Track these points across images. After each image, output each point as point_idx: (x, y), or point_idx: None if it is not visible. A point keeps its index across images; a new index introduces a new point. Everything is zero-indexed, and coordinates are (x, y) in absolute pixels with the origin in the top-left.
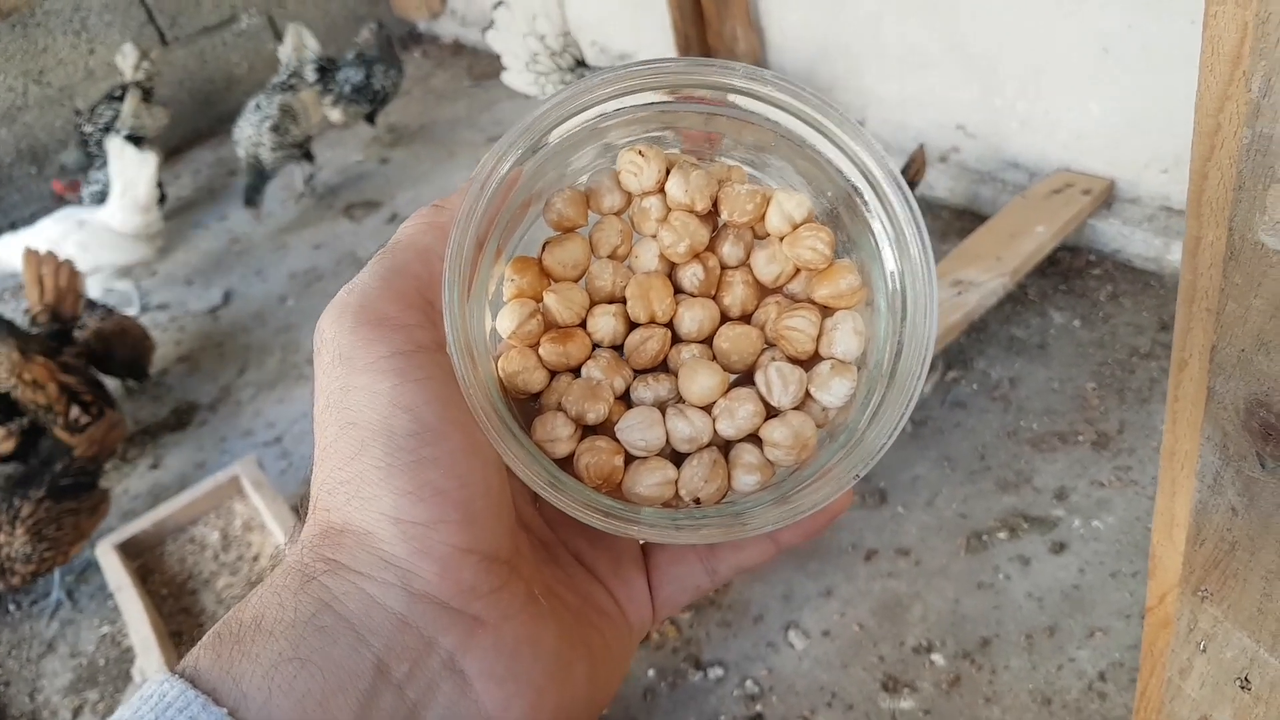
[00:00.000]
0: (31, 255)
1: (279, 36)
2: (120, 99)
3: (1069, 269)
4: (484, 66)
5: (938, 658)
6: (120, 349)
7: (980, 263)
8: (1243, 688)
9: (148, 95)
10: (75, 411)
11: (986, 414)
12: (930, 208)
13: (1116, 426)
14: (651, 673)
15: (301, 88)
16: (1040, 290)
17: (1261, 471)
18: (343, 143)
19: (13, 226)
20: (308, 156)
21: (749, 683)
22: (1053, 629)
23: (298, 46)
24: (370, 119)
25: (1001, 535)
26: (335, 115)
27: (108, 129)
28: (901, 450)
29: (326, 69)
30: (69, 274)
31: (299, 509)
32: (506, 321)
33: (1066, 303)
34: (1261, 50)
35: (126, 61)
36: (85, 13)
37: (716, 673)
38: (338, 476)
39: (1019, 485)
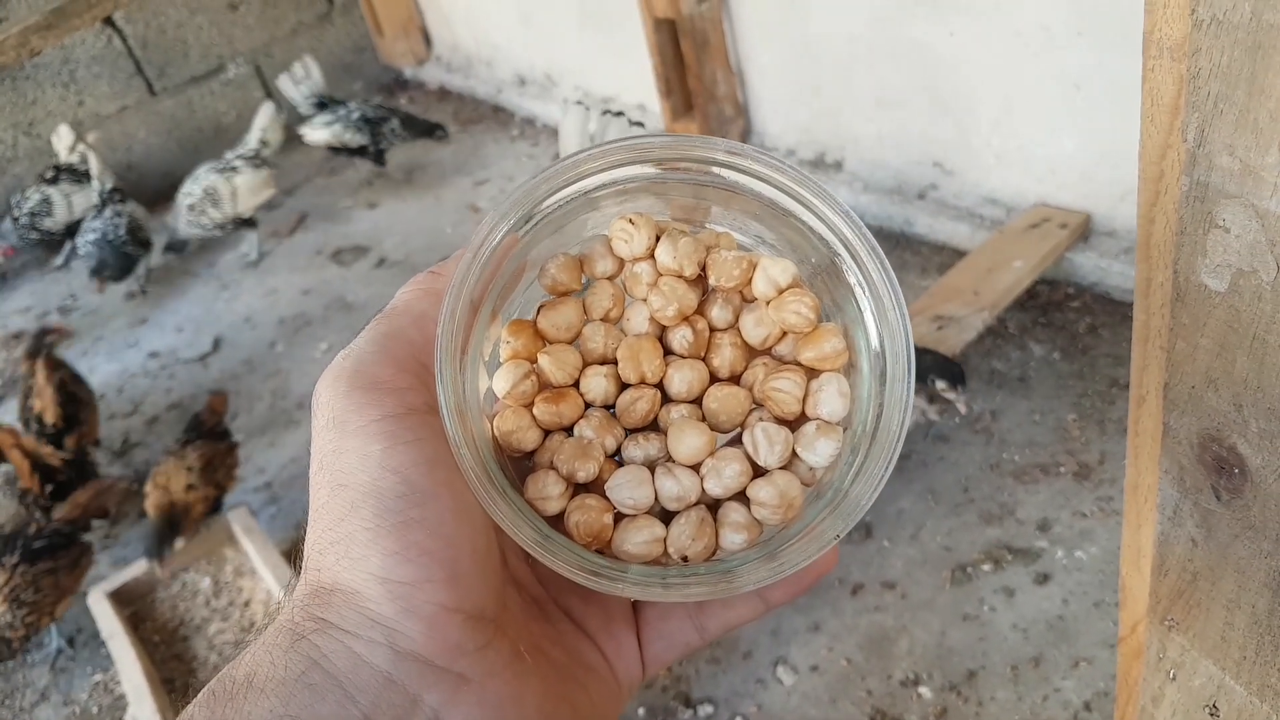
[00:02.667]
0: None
1: (266, 85)
2: (53, 181)
3: (1048, 302)
4: (469, 112)
5: (925, 690)
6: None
7: (960, 298)
8: (1212, 715)
9: (82, 178)
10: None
11: (969, 447)
12: (909, 244)
13: (1098, 457)
14: (642, 711)
15: (244, 170)
16: (1020, 324)
17: (1217, 504)
18: (330, 189)
19: (3, 277)
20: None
21: (739, 719)
22: (1038, 660)
23: (264, 128)
24: (379, 160)
25: (986, 567)
26: (322, 136)
27: (34, 215)
28: (886, 484)
29: (326, 104)
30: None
31: (291, 557)
32: (502, 382)
33: (1046, 335)
34: (1195, 103)
35: (61, 143)
36: (74, 65)
37: (706, 710)
38: (328, 537)
39: (1002, 517)
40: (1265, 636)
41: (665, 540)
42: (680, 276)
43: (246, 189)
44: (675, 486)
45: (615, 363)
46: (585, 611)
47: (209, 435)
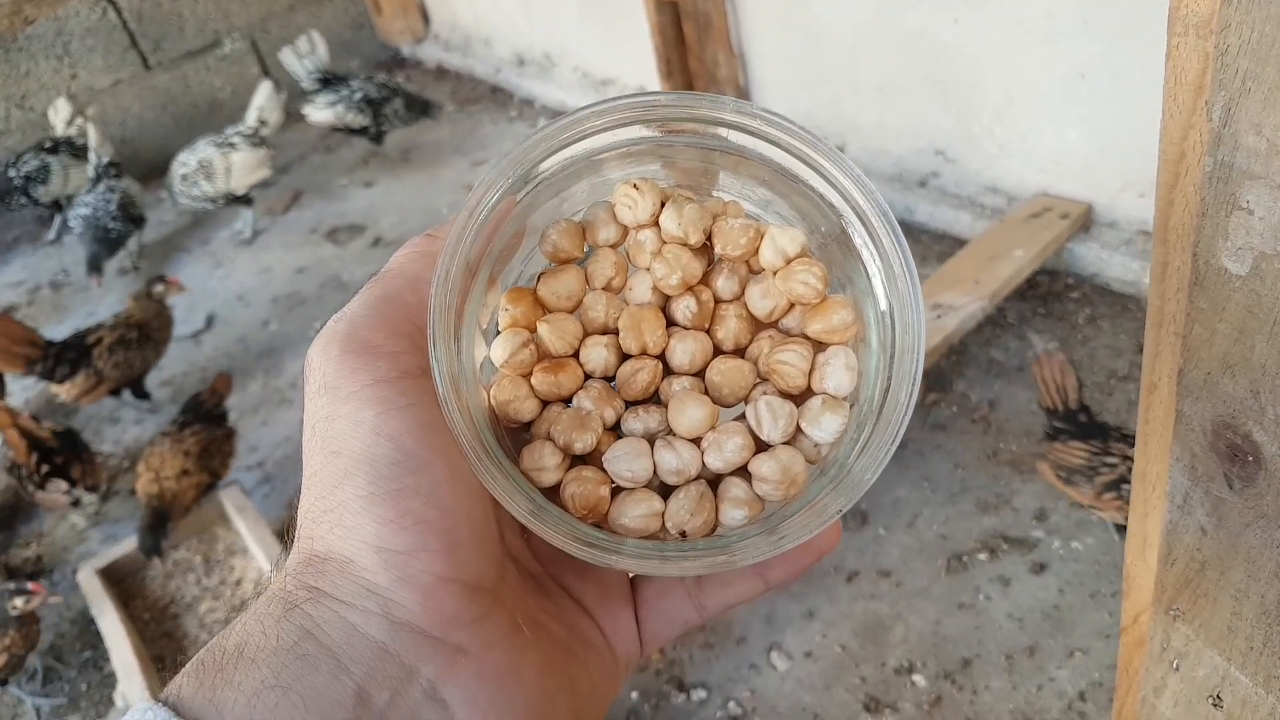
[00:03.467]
0: None
1: (263, 61)
2: (52, 151)
3: (1048, 292)
4: (467, 91)
5: (919, 678)
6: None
7: (960, 286)
8: (1215, 705)
9: (80, 153)
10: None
11: (966, 436)
12: (910, 232)
13: None
14: (635, 695)
15: (242, 148)
16: (1019, 313)
17: (1229, 492)
18: (326, 167)
19: None
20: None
21: (732, 704)
22: (1033, 649)
23: (262, 107)
24: (378, 139)
25: (982, 556)
26: (325, 116)
27: (29, 179)
28: (883, 472)
29: (330, 80)
30: None
31: (284, 534)
32: (500, 350)
33: (1045, 326)
34: (1221, 81)
35: (59, 116)
36: (68, 37)
37: (700, 694)
38: (321, 505)
39: (999, 506)
40: (1274, 627)
41: (663, 515)
42: (685, 245)
43: (241, 166)
44: (675, 460)
45: (616, 333)
46: (583, 588)
47: (206, 417)
